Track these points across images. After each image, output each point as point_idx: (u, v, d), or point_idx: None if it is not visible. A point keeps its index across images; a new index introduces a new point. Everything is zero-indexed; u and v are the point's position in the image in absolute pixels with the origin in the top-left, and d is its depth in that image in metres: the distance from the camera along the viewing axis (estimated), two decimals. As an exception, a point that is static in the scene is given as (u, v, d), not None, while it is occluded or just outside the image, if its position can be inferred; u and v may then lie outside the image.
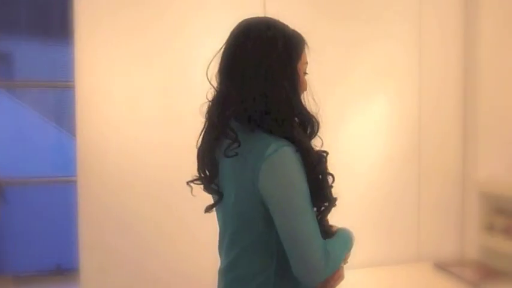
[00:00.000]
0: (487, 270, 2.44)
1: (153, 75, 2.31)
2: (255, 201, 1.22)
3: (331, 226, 1.41)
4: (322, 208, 1.31)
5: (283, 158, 1.20)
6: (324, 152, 1.30)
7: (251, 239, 1.27)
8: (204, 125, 1.36)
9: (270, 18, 1.33)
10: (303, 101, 1.31)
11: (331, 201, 1.32)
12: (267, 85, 1.23)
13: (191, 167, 1.37)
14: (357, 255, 2.48)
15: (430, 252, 2.69)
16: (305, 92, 1.33)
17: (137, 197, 2.30)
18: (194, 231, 2.29)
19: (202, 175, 1.36)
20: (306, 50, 1.34)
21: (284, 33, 1.29)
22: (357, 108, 2.61)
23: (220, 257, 1.39)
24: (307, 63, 1.35)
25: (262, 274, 1.27)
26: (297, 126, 1.26)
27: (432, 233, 2.72)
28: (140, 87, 2.31)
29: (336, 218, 2.31)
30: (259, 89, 1.23)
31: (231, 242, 1.31)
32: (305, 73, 1.35)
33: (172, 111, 2.32)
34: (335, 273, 1.31)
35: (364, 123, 2.62)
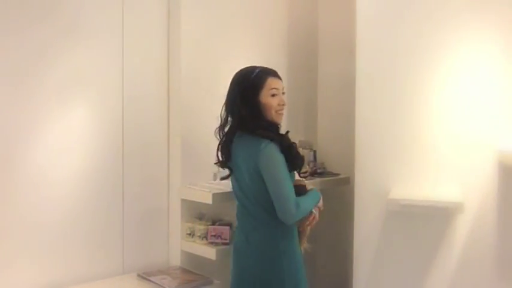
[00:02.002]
0: (188, 276, 2.55)
1: None
2: (259, 177, 2.10)
3: (305, 187, 2.28)
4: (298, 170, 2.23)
5: (270, 150, 2.09)
6: (293, 142, 2.21)
7: (264, 199, 2.11)
8: (223, 128, 2.26)
9: (249, 67, 2.26)
10: (272, 113, 2.19)
11: (302, 164, 2.23)
12: (241, 108, 2.17)
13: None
14: (62, 273, 2.25)
15: (136, 263, 2.59)
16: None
17: None
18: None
19: (221, 159, 2.25)
20: (272, 79, 2.20)
21: (247, 76, 2.20)
22: (54, 117, 2.36)
23: (243, 211, 2.22)
24: (273, 88, 2.19)
25: (275, 220, 2.10)
26: (272, 130, 2.16)
27: (138, 243, 2.61)
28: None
29: (34, 235, 2.34)
30: (239, 111, 2.17)
31: (256, 201, 2.15)
32: (274, 95, 2.18)
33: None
34: (310, 216, 2.22)
35: (62, 133, 2.38)
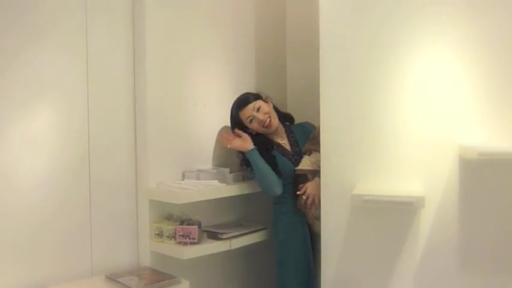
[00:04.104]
0: (156, 276, 2.55)
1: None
2: None
3: (305, 176, 2.83)
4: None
5: None
6: None
7: None
8: None
9: (240, 95, 2.89)
10: (261, 130, 2.86)
11: (272, 160, 2.85)
12: None
13: None
14: (28, 276, 2.21)
15: (105, 264, 2.57)
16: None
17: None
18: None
19: None
20: (242, 112, 2.82)
21: (230, 116, 2.87)
22: (20, 121, 2.33)
23: None
24: (246, 118, 2.82)
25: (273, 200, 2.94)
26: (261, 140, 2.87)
27: (107, 245, 2.59)
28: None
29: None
30: None
31: None
32: (251, 120, 2.82)
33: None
34: (302, 199, 2.76)
35: (28, 136, 2.35)
